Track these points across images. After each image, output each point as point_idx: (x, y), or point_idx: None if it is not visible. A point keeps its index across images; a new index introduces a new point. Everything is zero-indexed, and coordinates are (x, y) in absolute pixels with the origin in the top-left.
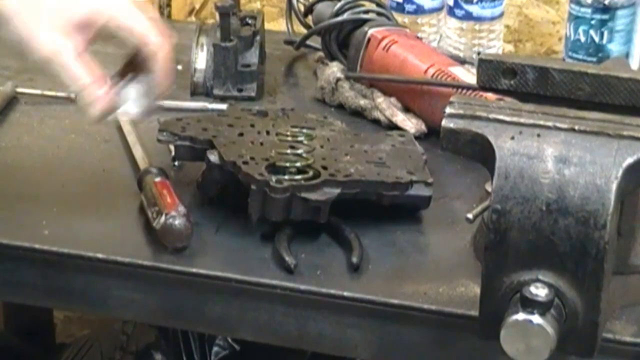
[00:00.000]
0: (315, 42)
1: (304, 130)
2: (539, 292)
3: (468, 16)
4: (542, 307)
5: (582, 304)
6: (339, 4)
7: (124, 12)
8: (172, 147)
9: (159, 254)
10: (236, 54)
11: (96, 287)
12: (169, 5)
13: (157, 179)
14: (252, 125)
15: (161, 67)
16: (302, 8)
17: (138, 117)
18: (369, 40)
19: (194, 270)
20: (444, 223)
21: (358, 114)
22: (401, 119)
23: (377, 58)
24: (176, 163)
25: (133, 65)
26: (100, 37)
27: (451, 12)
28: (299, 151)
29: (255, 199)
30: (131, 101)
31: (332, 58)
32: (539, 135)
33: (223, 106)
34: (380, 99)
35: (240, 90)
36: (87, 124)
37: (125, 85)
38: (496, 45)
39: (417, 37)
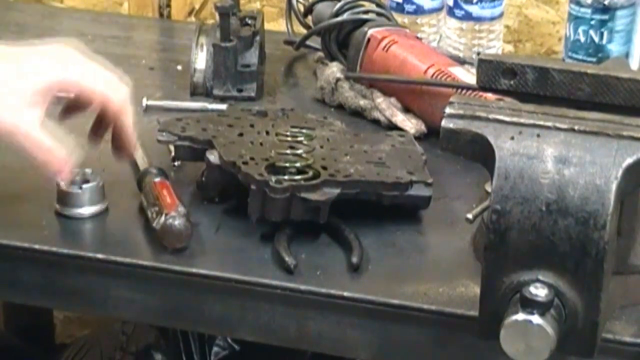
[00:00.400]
0: (315, 42)
1: (304, 131)
2: (539, 292)
3: (468, 16)
4: (542, 307)
5: (582, 304)
6: (338, 4)
7: (83, 74)
8: (172, 147)
9: (159, 254)
10: (236, 54)
11: (96, 287)
12: (168, 5)
13: (157, 179)
14: (252, 126)
15: (128, 122)
16: (301, 8)
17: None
18: (368, 40)
19: (194, 270)
20: (444, 223)
21: (358, 114)
22: (401, 119)
23: (377, 58)
24: (176, 163)
25: (102, 120)
26: (63, 103)
27: (451, 12)
28: (299, 151)
29: (255, 199)
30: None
31: (332, 58)
32: (538, 136)
33: (223, 106)
34: (380, 99)
35: (240, 91)
36: (86, 124)
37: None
38: (496, 46)
39: (417, 38)
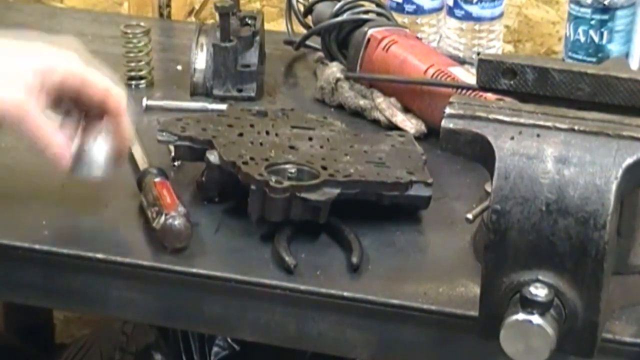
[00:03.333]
0: (315, 42)
1: (304, 131)
2: (539, 292)
3: (468, 16)
4: (541, 307)
5: (582, 304)
6: (338, 4)
7: (83, 67)
8: (171, 147)
9: (159, 254)
10: (236, 54)
11: (96, 287)
12: (168, 5)
13: (157, 179)
14: (252, 126)
15: (126, 119)
16: (301, 8)
17: (102, 176)
18: (368, 40)
19: (194, 270)
20: (444, 223)
21: (358, 114)
22: (401, 119)
23: (377, 58)
24: (176, 163)
25: (94, 119)
26: (64, 95)
27: (451, 12)
28: (299, 151)
29: (255, 199)
30: (96, 163)
31: (332, 58)
32: (538, 136)
33: (223, 106)
34: (380, 99)
35: (240, 91)
36: None
37: (90, 144)
38: (496, 46)
39: (417, 38)
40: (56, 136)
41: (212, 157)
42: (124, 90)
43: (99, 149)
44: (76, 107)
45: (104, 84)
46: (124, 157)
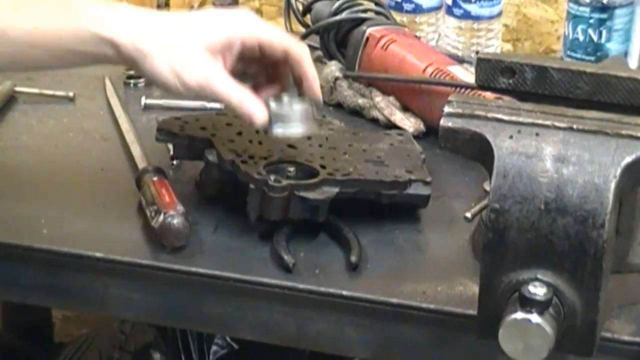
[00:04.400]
0: (313, 41)
1: None
2: (538, 291)
3: (466, 15)
4: (540, 306)
5: (581, 303)
6: (337, 3)
7: (259, 27)
8: (170, 146)
9: (158, 253)
10: None
11: (95, 286)
12: (167, 4)
13: (156, 178)
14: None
15: (311, 69)
16: (300, 7)
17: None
18: (367, 39)
19: (193, 269)
20: (443, 222)
21: (356, 113)
22: (399, 118)
23: (376, 57)
24: (174, 162)
25: (276, 81)
26: (243, 57)
27: (449, 11)
28: (298, 150)
29: (254, 198)
30: (293, 119)
31: (331, 57)
32: (537, 134)
33: (221, 105)
34: (379, 98)
35: None
36: (85, 123)
37: (284, 101)
38: (494, 44)
39: (416, 36)
40: (250, 95)
41: (211, 156)
42: (304, 45)
43: (293, 105)
44: (254, 65)
45: (284, 39)
46: (319, 107)
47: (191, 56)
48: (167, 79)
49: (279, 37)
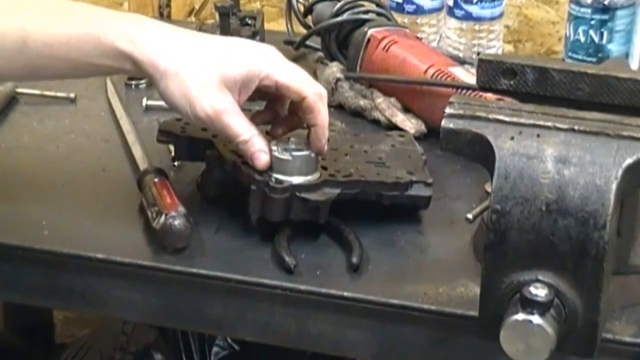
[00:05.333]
0: (315, 42)
1: (303, 130)
2: (539, 292)
3: (468, 16)
4: (541, 307)
5: (582, 304)
6: (338, 4)
7: (279, 68)
8: (171, 147)
9: (159, 254)
10: None
11: (96, 287)
12: (168, 5)
13: (157, 179)
14: None
15: (322, 119)
16: (301, 8)
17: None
18: (368, 40)
19: (194, 270)
20: (444, 223)
21: (358, 114)
22: (401, 119)
23: (377, 58)
24: (176, 163)
25: (288, 120)
26: (258, 93)
27: (451, 12)
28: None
29: (255, 199)
30: (292, 168)
31: (332, 58)
32: (538, 136)
33: None
34: (380, 99)
35: None
36: (86, 124)
37: (287, 147)
38: (496, 46)
39: (417, 38)
40: (257, 137)
41: (212, 157)
42: (322, 89)
43: (296, 153)
44: (266, 98)
45: (302, 84)
46: (322, 154)
47: (206, 87)
48: (179, 104)
49: (297, 81)
